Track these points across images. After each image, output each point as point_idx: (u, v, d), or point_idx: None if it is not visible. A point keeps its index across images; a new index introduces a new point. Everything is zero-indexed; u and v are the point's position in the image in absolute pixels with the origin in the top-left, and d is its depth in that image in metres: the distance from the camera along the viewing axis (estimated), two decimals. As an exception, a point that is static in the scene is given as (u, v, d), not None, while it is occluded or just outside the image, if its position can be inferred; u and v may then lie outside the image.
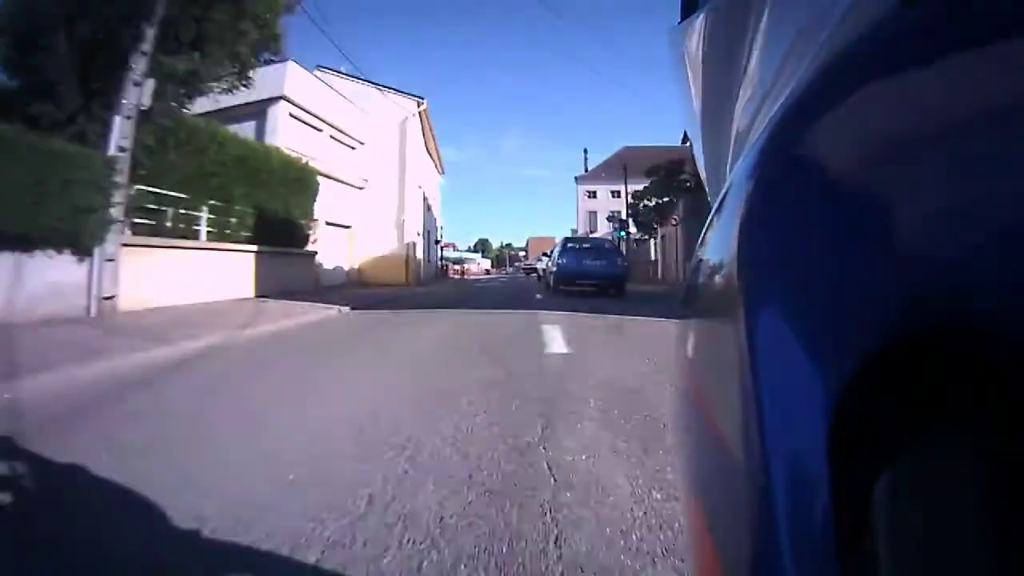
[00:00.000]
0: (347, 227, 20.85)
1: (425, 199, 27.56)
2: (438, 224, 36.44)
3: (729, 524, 0.43)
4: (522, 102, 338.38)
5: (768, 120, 0.47)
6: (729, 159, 0.79)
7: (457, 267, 46.58)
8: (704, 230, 0.61)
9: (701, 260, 0.59)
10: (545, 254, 19.33)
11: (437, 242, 33.59)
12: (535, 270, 38.23)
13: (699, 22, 0.91)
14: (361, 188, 21.19)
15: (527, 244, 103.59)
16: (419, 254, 23.96)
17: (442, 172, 38.62)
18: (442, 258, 42.33)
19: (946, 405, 0.32)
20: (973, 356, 0.30)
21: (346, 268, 20.96)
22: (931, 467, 0.32)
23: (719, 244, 0.51)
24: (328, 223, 19.39)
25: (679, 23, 1.02)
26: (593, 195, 51.78)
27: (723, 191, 0.56)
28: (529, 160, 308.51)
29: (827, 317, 0.36)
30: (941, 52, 0.31)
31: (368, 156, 21.50)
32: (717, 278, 0.51)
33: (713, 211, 0.60)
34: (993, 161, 0.27)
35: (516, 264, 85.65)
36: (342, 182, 20.19)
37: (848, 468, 0.34)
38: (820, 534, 0.34)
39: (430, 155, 30.57)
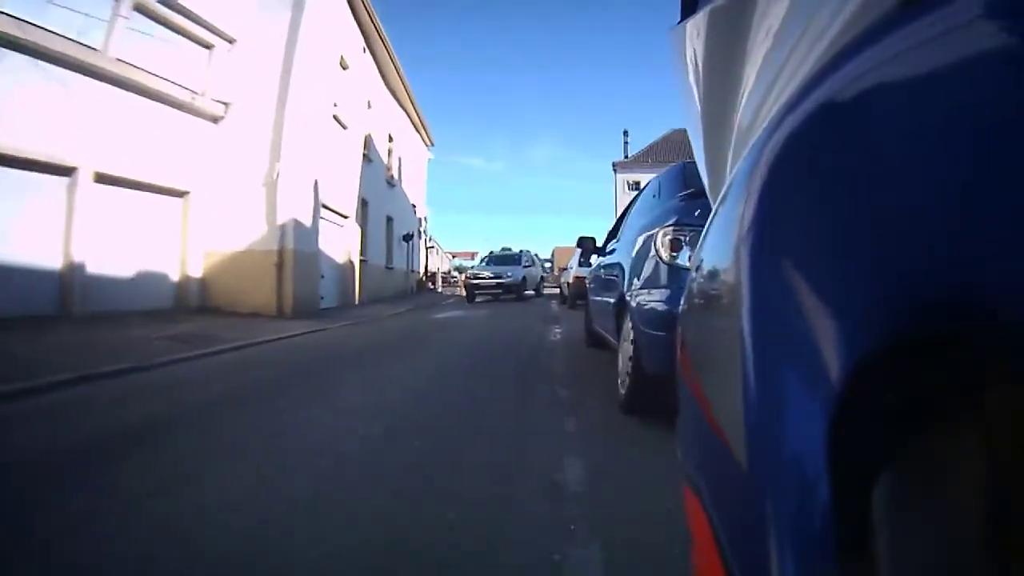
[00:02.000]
0: (180, 193, 10.13)
1: (369, 158, 16.43)
2: (417, 214, 25.21)
3: (730, 524, 0.44)
4: (553, 107, 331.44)
5: (769, 120, 0.49)
6: (730, 159, 0.80)
7: (456, 275, 35.68)
8: (705, 229, 0.63)
9: (701, 259, 0.60)
10: (586, 245, 5.94)
11: (407, 238, 21.66)
12: (492, 282, 16.46)
13: (699, 22, 0.89)
14: (217, 120, 10.51)
15: (552, 254, 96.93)
16: (337, 252, 13.15)
17: (431, 143, 27.70)
18: (432, 265, 31.44)
19: (946, 405, 0.33)
20: (973, 356, 0.31)
21: (175, 276, 10.25)
22: (931, 467, 0.33)
23: (720, 243, 0.52)
24: (113, 179, 8.77)
25: (679, 23, 1.00)
26: (636, 186, 40.96)
27: (724, 191, 0.58)
28: (560, 171, 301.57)
29: (827, 317, 0.36)
30: (941, 52, 0.31)
31: (242, 66, 10.60)
32: (717, 277, 0.53)
33: (714, 210, 0.62)
34: (993, 161, 0.27)
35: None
36: (163, 99, 9.46)
37: (848, 468, 0.34)
38: (820, 534, 0.35)
39: (395, 96, 19.74)
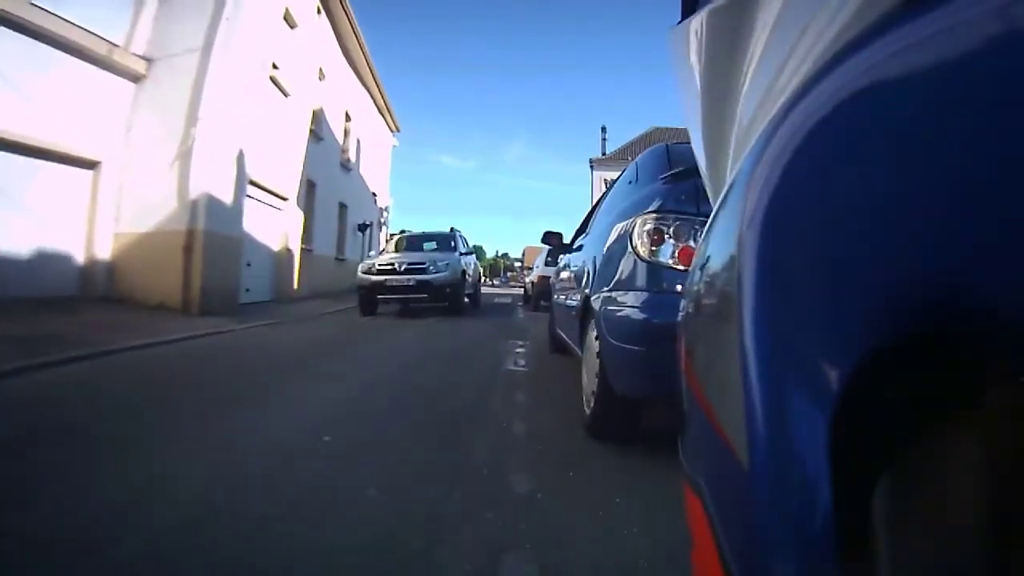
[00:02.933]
0: (90, 164, 8.76)
1: (318, 135, 14.90)
2: (378, 203, 23.67)
3: (730, 524, 0.45)
4: (527, 107, 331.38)
5: (769, 120, 0.49)
6: (730, 159, 0.80)
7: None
8: (706, 230, 0.64)
9: (702, 260, 0.61)
10: (552, 240, 5.73)
11: (363, 227, 18.79)
12: (409, 281, 9.80)
13: (699, 22, 0.91)
14: (139, 79, 9.05)
15: (523, 254, 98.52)
16: (271, 238, 11.97)
17: (397, 129, 26.45)
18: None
19: (946, 405, 0.34)
20: (973, 356, 0.32)
21: (80, 258, 8.75)
22: (931, 467, 0.35)
23: (720, 244, 0.53)
24: (10, 144, 7.29)
25: (679, 23, 1.02)
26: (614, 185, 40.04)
27: (724, 191, 0.59)
28: (534, 171, 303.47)
29: (828, 317, 0.37)
30: (941, 52, 0.32)
31: (174, 16, 9.22)
32: (718, 278, 0.53)
33: (714, 211, 0.63)
34: (993, 161, 0.29)
35: (507, 275, 72.56)
36: (77, 52, 8.08)
37: (848, 468, 0.36)
38: (820, 534, 0.35)
39: (356, 71, 18.43)
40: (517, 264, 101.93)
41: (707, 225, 0.64)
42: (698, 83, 0.94)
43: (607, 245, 2.93)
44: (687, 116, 1.05)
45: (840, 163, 0.38)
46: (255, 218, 10.71)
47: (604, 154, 41.29)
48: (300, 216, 12.92)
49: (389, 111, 23.87)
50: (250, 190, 10.38)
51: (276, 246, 12.02)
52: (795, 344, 0.39)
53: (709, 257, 0.58)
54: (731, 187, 0.55)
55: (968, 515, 0.32)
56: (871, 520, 0.36)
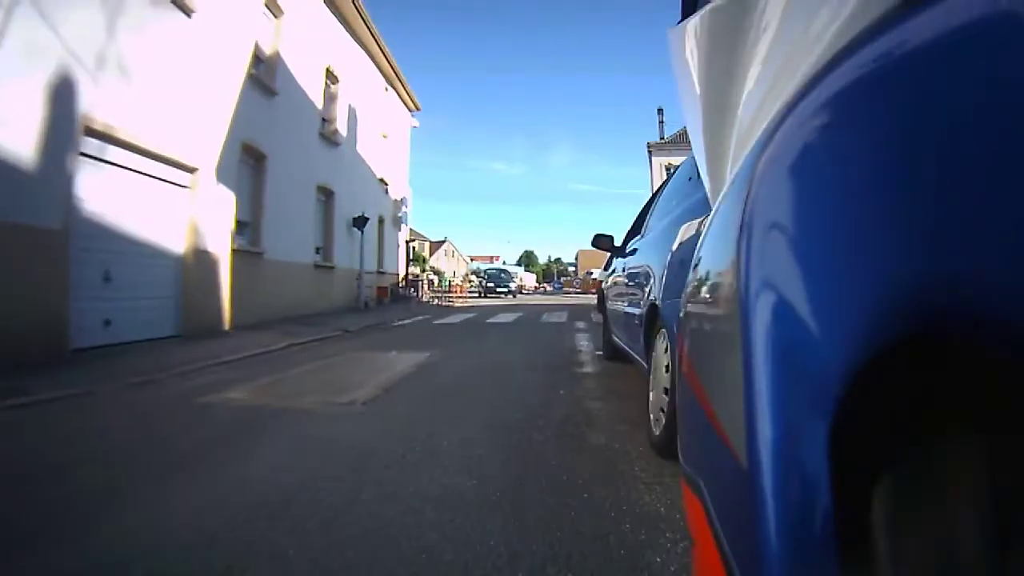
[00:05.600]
0: None
1: (268, 86, 10.46)
2: (390, 194, 19.37)
3: (731, 524, 0.45)
4: (575, 101, 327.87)
5: (769, 120, 0.49)
6: (730, 159, 0.79)
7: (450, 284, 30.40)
8: (705, 230, 0.64)
9: (702, 260, 0.60)
10: (602, 244, 5.25)
11: (361, 222, 14.70)
12: None
13: (699, 22, 0.90)
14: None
15: (576, 257, 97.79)
16: (166, 232, 7.73)
17: (416, 108, 22.29)
18: (419, 263, 25.88)
19: (946, 405, 0.35)
20: (973, 356, 0.32)
21: None
22: (931, 468, 0.35)
23: (720, 244, 0.53)
24: None
25: (679, 23, 1.01)
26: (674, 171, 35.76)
27: (724, 191, 0.59)
28: (583, 175, 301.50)
29: (827, 318, 0.37)
30: (941, 52, 0.33)
31: None
32: (718, 278, 0.53)
33: (714, 211, 0.63)
34: (992, 161, 0.29)
35: (561, 281, 68.27)
36: None
37: (848, 469, 0.36)
38: (820, 534, 0.36)
39: (344, 22, 14.24)
40: (571, 269, 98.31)
41: (706, 225, 0.63)
42: (698, 83, 0.93)
43: (675, 247, 2.81)
44: (687, 116, 1.04)
45: (839, 164, 0.38)
46: (123, 198, 6.65)
47: (662, 138, 37.55)
48: (231, 199, 8.73)
49: (402, 82, 19.73)
50: (105, 150, 6.29)
51: (177, 246, 7.77)
52: (795, 344, 0.39)
53: (708, 257, 0.57)
54: (731, 187, 0.56)
55: (968, 515, 0.32)
56: (871, 520, 0.36)
